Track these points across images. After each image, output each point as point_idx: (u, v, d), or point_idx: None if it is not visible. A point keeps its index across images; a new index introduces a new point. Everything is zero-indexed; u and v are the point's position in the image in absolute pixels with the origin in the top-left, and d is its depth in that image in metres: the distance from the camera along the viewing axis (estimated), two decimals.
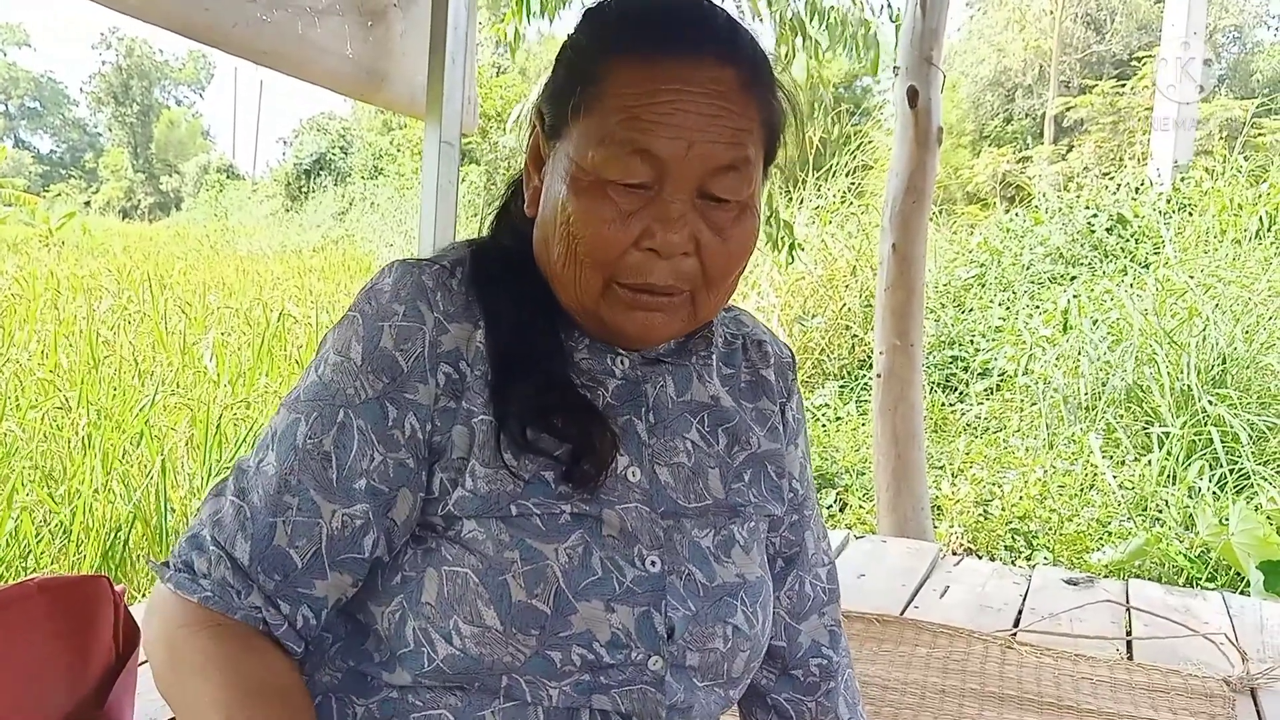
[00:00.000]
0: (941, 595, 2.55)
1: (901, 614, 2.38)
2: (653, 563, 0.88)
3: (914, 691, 1.92)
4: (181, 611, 0.83)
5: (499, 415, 0.86)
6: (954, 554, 3.21)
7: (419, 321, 0.86)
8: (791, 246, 5.12)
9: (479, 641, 0.82)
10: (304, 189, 23.47)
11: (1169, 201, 8.82)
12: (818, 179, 9.16)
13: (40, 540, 3.33)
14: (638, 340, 0.90)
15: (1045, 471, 4.87)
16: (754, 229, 0.88)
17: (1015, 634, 2.26)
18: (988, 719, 1.82)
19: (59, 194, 34.01)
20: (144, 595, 3.22)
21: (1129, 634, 2.31)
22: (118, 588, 1.57)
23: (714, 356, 1.00)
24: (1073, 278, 7.71)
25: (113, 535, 3.38)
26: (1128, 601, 2.49)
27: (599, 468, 0.86)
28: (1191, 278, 6.47)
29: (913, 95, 3.52)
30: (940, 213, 11.21)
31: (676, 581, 0.89)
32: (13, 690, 1.40)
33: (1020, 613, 2.43)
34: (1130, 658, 2.17)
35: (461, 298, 0.89)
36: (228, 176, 30.03)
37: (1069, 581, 2.62)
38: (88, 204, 34.36)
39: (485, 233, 1.00)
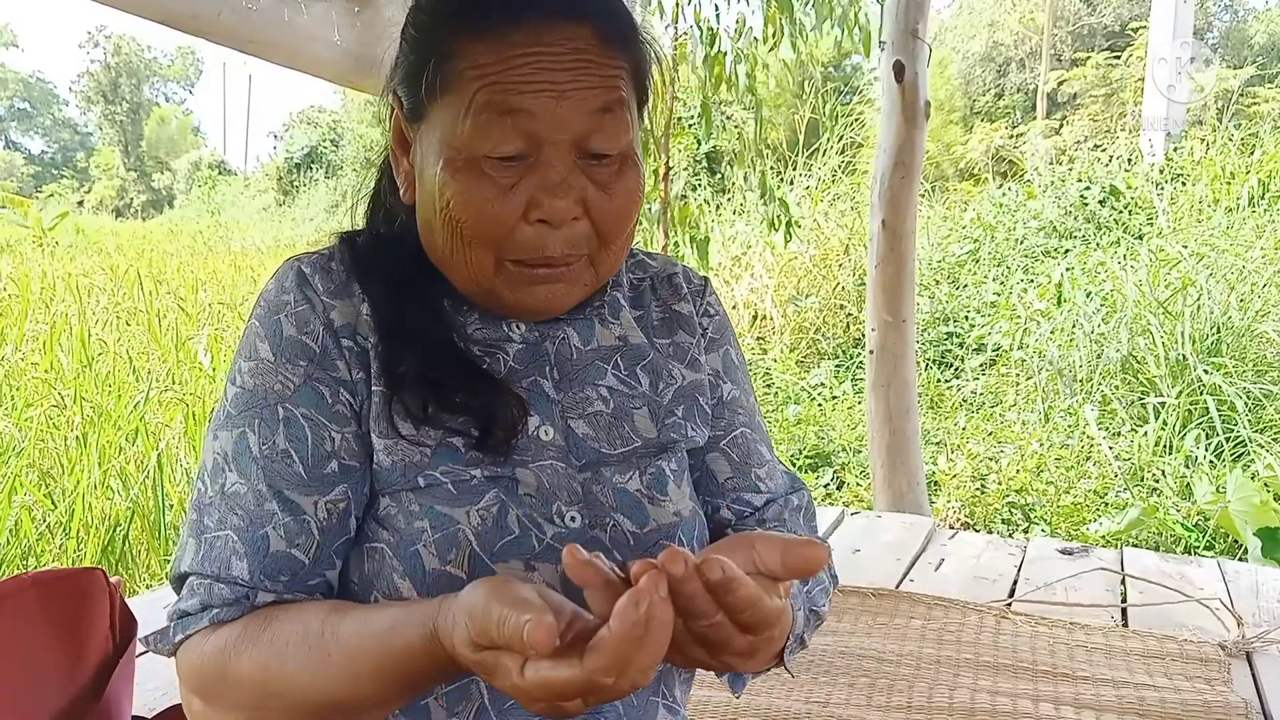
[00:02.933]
0: (936, 568, 2.56)
1: (896, 588, 2.39)
2: (573, 518, 0.86)
3: (909, 663, 1.93)
4: (201, 652, 0.79)
5: (391, 389, 0.85)
6: (950, 528, 3.21)
7: (309, 305, 0.86)
8: (789, 225, 5.11)
9: None
10: (295, 183, 23.41)
11: (1162, 172, 8.80)
12: (808, 158, 9.14)
13: (40, 538, 3.34)
14: (545, 313, 0.88)
15: (1041, 445, 4.88)
16: (639, 180, 0.86)
17: (1010, 604, 2.27)
18: (983, 688, 1.83)
19: (51, 194, 33.86)
20: (147, 587, 3.23)
21: (1124, 602, 2.32)
22: (113, 579, 1.58)
23: (621, 299, 0.98)
24: (1066, 251, 7.70)
25: (112, 531, 3.38)
26: (1123, 569, 2.50)
27: (508, 435, 0.85)
28: (1185, 247, 6.47)
29: (899, 70, 3.51)
30: (933, 190, 11.19)
31: (601, 535, 0.87)
32: (9, 683, 1.41)
33: (1015, 583, 2.44)
34: (1126, 625, 2.19)
35: (341, 278, 0.88)
36: (219, 172, 29.93)
37: (1064, 551, 2.63)
38: (80, 204, 34.24)
39: (358, 222, 0.98)
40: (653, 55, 0.89)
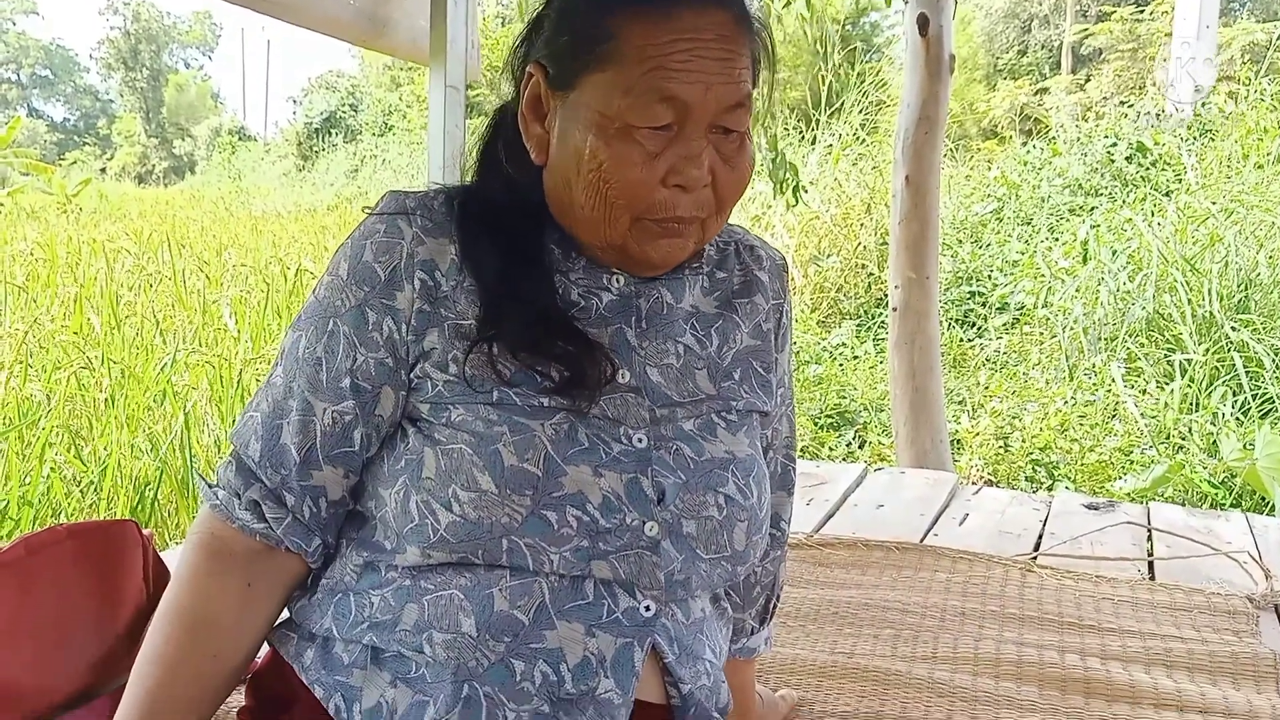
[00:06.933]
0: (960, 523, 2.56)
1: (920, 542, 2.39)
2: (639, 440, 0.95)
3: (934, 614, 1.93)
4: (200, 517, 0.99)
5: (486, 338, 0.94)
6: (973, 485, 3.21)
7: (398, 236, 0.96)
8: (796, 188, 5.08)
9: (476, 505, 0.89)
10: (315, 148, 23.40)
11: (1190, 128, 8.67)
12: (830, 117, 9.05)
13: (70, 498, 3.38)
14: (661, 265, 0.99)
15: (1066, 403, 4.85)
16: (753, 155, 0.98)
17: (1035, 558, 2.27)
18: (1008, 639, 1.83)
19: (75, 161, 34.01)
20: (177, 544, 3.27)
21: (1150, 555, 2.31)
22: (145, 531, 1.60)
23: (705, 264, 1.08)
24: (1092, 209, 7.61)
25: (141, 491, 3.42)
26: (1149, 524, 2.49)
27: (595, 388, 0.94)
28: (1214, 204, 6.38)
29: (923, 23, 3.46)
30: (956, 149, 11.07)
31: (665, 455, 0.96)
32: (46, 633, 1.43)
33: (1040, 538, 2.44)
34: (1152, 578, 2.18)
35: (441, 216, 0.98)
36: (239, 138, 29.95)
37: (1089, 506, 2.62)
38: (103, 170, 34.37)
39: (470, 179, 1.06)
40: (762, 43, 0.99)
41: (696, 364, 1.03)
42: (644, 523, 0.92)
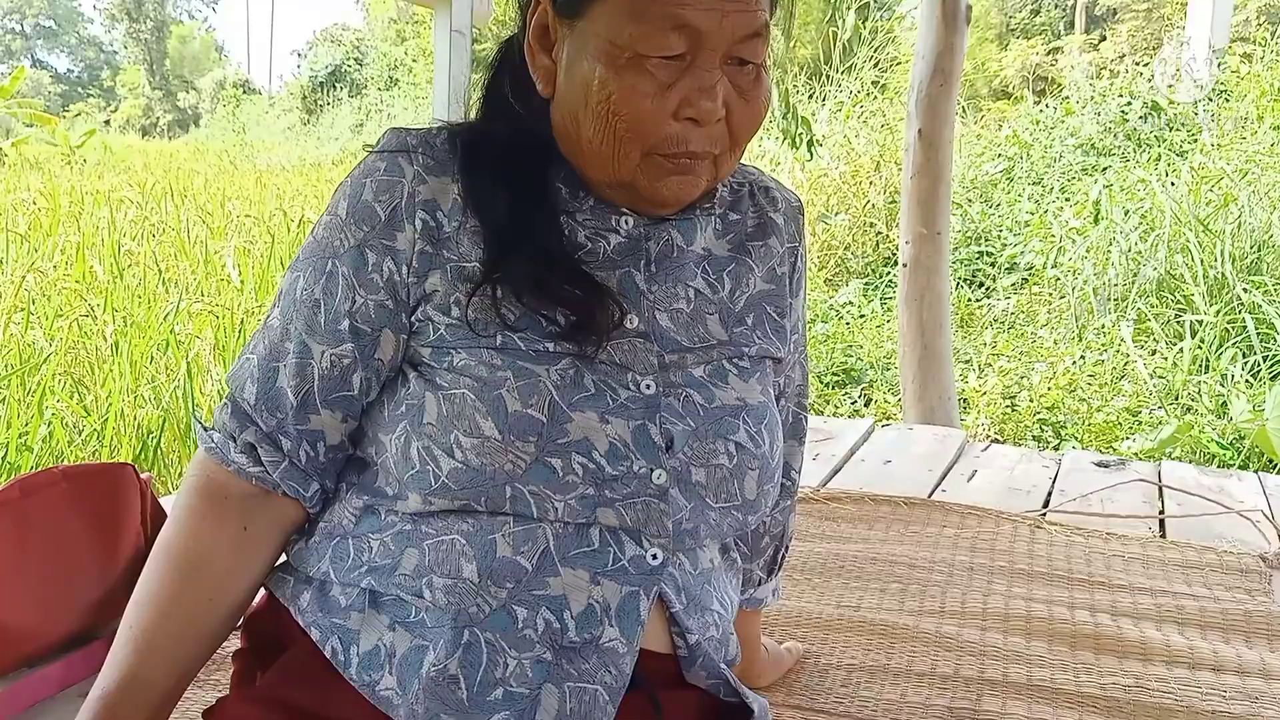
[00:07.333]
0: (969, 479, 2.53)
1: (928, 498, 2.36)
2: (647, 386, 0.92)
3: (941, 569, 1.91)
4: (195, 460, 0.97)
5: (490, 280, 0.91)
6: (981, 442, 3.18)
7: (399, 175, 0.92)
8: (810, 142, 5.01)
9: (479, 452, 0.86)
10: (319, 102, 23.25)
11: (1205, 88, 8.54)
12: (842, 74, 8.93)
13: (73, 446, 3.37)
14: (673, 203, 0.94)
15: (1075, 362, 4.81)
16: (769, 89, 0.93)
17: (1044, 514, 2.25)
18: (1017, 594, 1.81)
19: (79, 113, 33.79)
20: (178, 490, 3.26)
21: (1162, 513, 2.28)
22: (144, 475, 1.58)
23: (717, 205, 1.04)
24: (1105, 168, 7.52)
25: (144, 440, 3.41)
26: (1160, 482, 2.47)
27: (602, 334, 0.91)
28: (1229, 164, 6.30)
29: None
30: (966, 109, 10.94)
31: (674, 402, 0.93)
32: (43, 574, 1.42)
33: (1049, 495, 2.41)
34: (1163, 536, 2.16)
35: (444, 154, 0.94)
36: (244, 91, 29.77)
37: (1100, 464, 2.60)
38: (107, 123, 34.15)
39: (474, 116, 1.01)
40: None
41: (708, 308, 0.99)
42: (651, 470, 0.89)
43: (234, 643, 1.03)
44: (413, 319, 0.92)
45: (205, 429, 0.97)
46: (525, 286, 0.90)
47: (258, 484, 0.94)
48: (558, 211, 0.95)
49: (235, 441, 0.94)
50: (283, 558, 0.99)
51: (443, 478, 0.87)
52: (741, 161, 1.06)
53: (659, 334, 0.95)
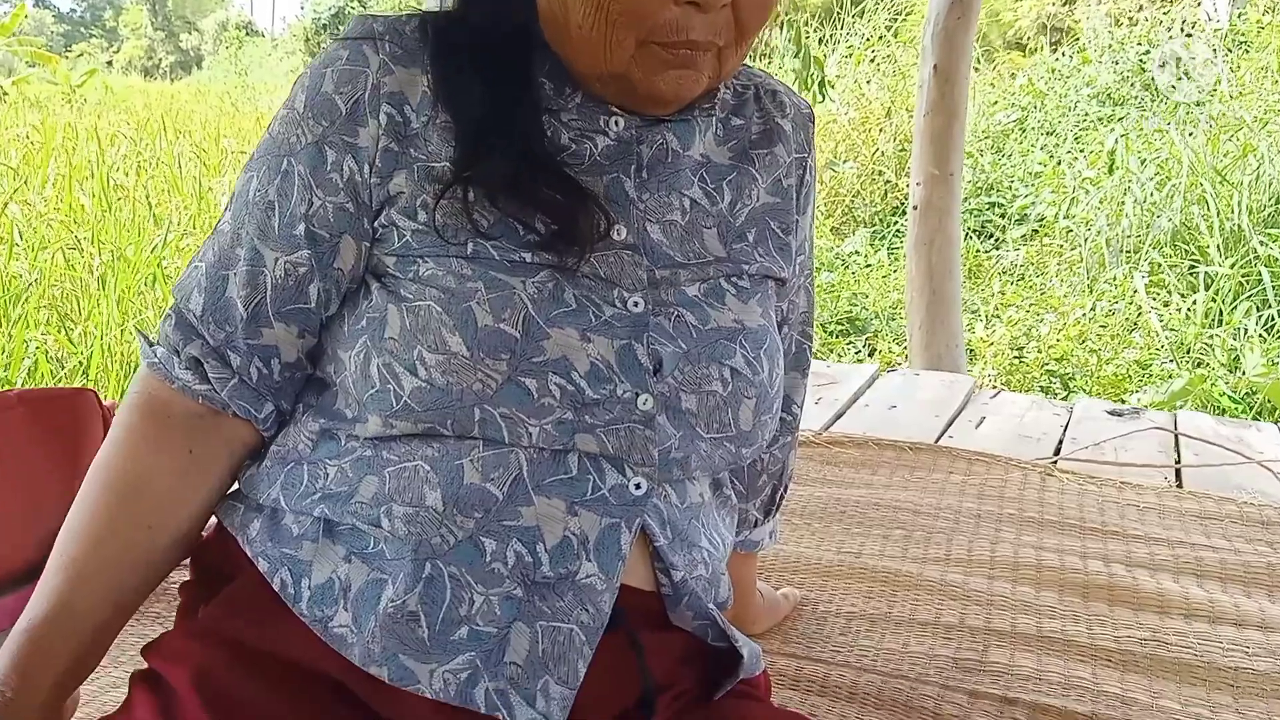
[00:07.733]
0: (977, 426, 2.45)
1: (935, 444, 2.28)
2: (635, 303, 0.83)
3: (948, 516, 1.83)
4: (137, 377, 0.89)
5: (461, 180, 0.82)
6: (991, 390, 3.09)
7: (363, 64, 0.84)
8: (822, 83, 4.88)
9: (445, 370, 0.78)
10: (323, 44, 22.94)
11: (1225, 38, 8.34)
12: (854, 17, 8.73)
13: (58, 380, 3.29)
14: (672, 101, 0.85)
15: (1085, 314, 4.71)
16: None
17: (1055, 462, 2.16)
18: (1026, 543, 1.73)
19: (81, 53, 33.40)
20: None
21: (1178, 463, 2.20)
22: (106, 402, 1.49)
23: (719, 108, 0.94)
24: (1121, 118, 7.36)
25: (131, 374, 3.33)
26: (1176, 431, 2.38)
27: (585, 245, 0.82)
28: (1249, 114, 6.14)
29: None
30: (979, 60, 10.71)
31: (664, 322, 0.84)
32: (2, 499, 1.34)
33: (1060, 443, 2.33)
34: (1180, 486, 2.07)
35: (413, 42, 0.85)
36: (246, 33, 29.44)
37: (1113, 413, 2.51)
38: (109, 63, 33.76)
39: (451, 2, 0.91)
40: None
41: (705, 221, 0.90)
42: (637, 395, 0.80)
43: (182, 574, 0.95)
44: (375, 224, 0.84)
45: (150, 343, 0.88)
46: (500, 188, 0.81)
47: (204, 403, 0.86)
48: (540, 108, 0.86)
49: (179, 356, 0.86)
50: (236, 485, 0.91)
51: (404, 398, 0.78)
52: (747, 63, 0.96)
53: (649, 247, 0.86)
